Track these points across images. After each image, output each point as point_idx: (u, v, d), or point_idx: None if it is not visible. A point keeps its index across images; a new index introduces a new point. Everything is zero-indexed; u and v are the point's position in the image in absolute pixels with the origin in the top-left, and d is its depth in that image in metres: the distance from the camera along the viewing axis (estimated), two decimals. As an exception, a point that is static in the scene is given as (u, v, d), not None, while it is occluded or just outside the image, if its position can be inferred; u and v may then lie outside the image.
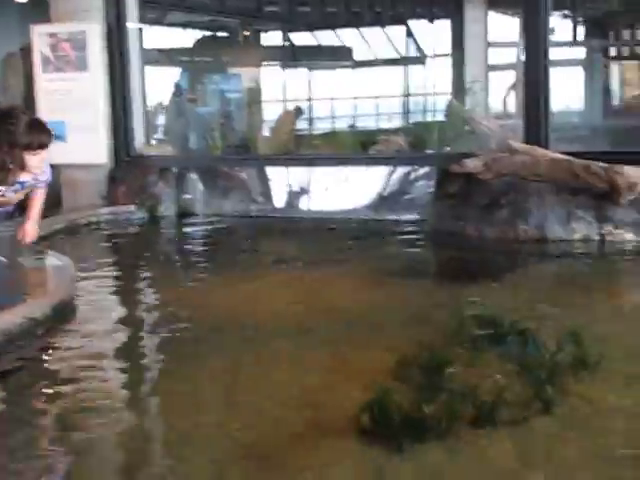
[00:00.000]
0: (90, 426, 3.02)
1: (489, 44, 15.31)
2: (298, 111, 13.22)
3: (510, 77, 15.54)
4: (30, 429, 3.05)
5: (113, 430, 2.98)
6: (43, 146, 4.07)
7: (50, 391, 3.43)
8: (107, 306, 4.88)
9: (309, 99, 19.66)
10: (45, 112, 7.88)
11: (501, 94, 15.09)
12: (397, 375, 3.36)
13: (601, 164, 6.45)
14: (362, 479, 2.52)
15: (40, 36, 8.41)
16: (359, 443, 2.75)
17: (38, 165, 4.15)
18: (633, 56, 16.25)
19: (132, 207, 8.17)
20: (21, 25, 10.52)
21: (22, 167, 4.09)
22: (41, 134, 4.07)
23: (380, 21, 19.11)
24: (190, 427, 2.96)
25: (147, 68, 9.28)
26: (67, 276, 4.81)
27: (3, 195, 4.24)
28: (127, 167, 8.51)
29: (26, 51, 8.88)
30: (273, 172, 8.95)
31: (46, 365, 3.80)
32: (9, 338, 3.71)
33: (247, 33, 18.56)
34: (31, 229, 4.53)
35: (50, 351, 3.92)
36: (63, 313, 4.30)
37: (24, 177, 4.24)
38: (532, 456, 2.63)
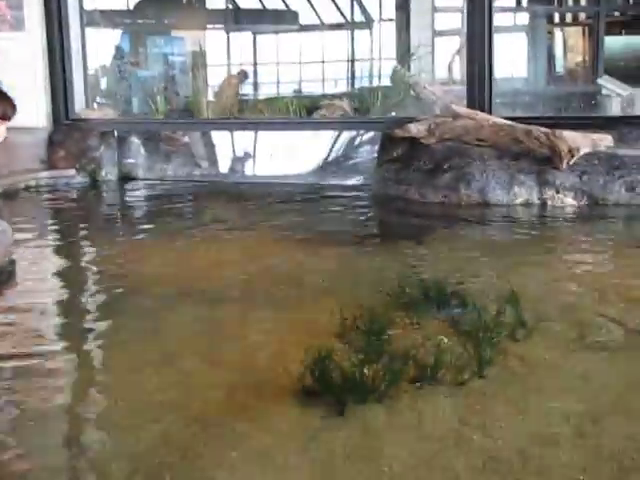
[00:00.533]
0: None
1: (435, 9, 15.28)
2: (243, 75, 13.07)
3: (455, 43, 15.55)
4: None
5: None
6: (6, 117, 3.89)
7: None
8: (43, 269, 4.81)
9: (254, 63, 19.44)
10: (-20, 73, 7.67)
11: (446, 60, 15.10)
12: (339, 337, 3.38)
13: (543, 129, 6.52)
14: (303, 440, 2.51)
15: (-26, -5, 8.16)
16: (300, 405, 2.75)
17: None
18: (576, 22, 16.37)
19: (72, 171, 8.03)
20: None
21: None
22: (7, 105, 3.88)
23: (325, -16, 18.92)
24: (127, 390, 2.95)
25: (88, 30, 9.08)
26: (4, 240, 4.72)
27: None
28: (67, 130, 8.34)
29: (-39, 10, 8.61)
30: (217, 136, 8.90)
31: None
32: None
33: (190, -5, 18.22)
34: None
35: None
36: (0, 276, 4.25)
37: None
38: (470, 416, 2.66)
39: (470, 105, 7.25)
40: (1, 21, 8.08)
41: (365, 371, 2.82)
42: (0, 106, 3.85)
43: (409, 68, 12.48)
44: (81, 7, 8.72)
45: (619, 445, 2.44)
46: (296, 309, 3.89)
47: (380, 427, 2.60)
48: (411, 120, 7.25)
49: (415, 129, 6.96)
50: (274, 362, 3.12)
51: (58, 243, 5.71)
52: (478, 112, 7.03)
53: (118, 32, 15.00)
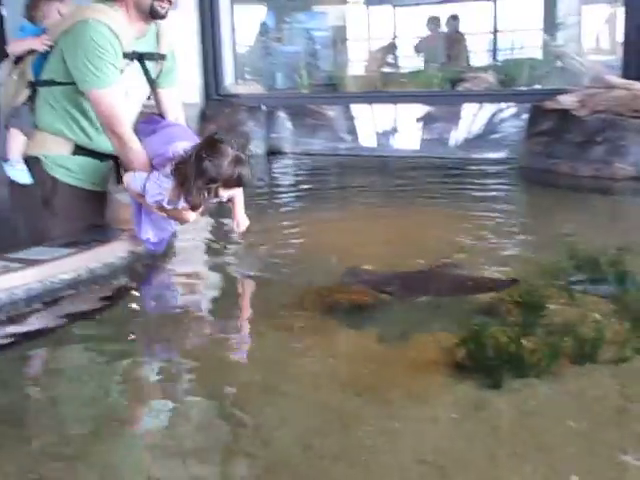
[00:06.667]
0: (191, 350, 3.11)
1: (584, -25, 14.72)
2: (390, 48, 13.04)
3: (604, 11, 14.96)
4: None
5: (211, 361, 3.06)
6: (242, 183, 3.73)
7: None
8: (202, 240, 4.95)
9: (394, 37, 19.30)
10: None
11: (595, 29, 14.56)
12: (493, 311, 3.36)
13: None
14: (460, 413, 2.52)
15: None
16: (455, 378, 2.74)
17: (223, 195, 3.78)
18: None
19: (223, 145, 8.25)
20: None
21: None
22: (244, 170, 3.67)
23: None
24: (272, 363, 3.00)
25: (235, 7, 9.28)
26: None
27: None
28: (217, 105, 8.58)
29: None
30: (361, 110, 8.91)
31: (150, 294, 3.95)
32: (112, 271, 3.81)
33: (332, -30, 18.23)
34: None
35: (150, 284, 4.06)
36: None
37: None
38: (633, 394, 2.60)
39: (626, 75, 6.98)
40: (157, 1, 8.35)
41: (524, 344, 2.80)
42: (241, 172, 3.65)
43: (556, 38, 12.13)
44: (231, -15, 8.92)
45: None
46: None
47: (539, 402, 2.56)
48: (560, 92, 7.07)
49: (566, 101, 6.79)
50: (428, 335, 3.12)
51: (213, 215, 5.77)
52: (634, 82, 6.76)
53: (263, 8, 15.24)
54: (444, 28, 13.48)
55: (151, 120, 4.16)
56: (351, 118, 8.81)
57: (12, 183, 4.08)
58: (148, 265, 4.09)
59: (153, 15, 3.91)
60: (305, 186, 7.15)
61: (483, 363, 2.77)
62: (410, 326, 3.23)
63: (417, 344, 3.06)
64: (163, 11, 3.91)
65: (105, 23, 3.76)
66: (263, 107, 8.54)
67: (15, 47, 4.10)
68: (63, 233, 3.99)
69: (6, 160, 4.04)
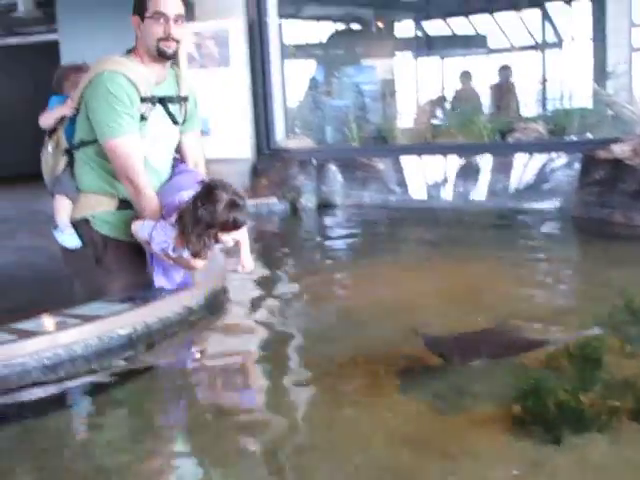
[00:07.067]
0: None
1: (633, 24, 14.67)
2: (439, 100, 13.13)
3: (655, 59, 14.87)
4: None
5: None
6: (239, 226, 3.74)
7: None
8: (256, 295, 4.97)
9: (443, 88, 19.42)
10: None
11: (646, 77, 14.47)
12: (549, 364, 3.31)
13: None
14: (518, 469, 2.48)
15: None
16: (513, 433, 2.70)
17: (227, 240, 3.81)
18: None
19: (274, 199, 8.34)
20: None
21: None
22: (240, 214, 3.69)
23: (515, 5, 18.66)
24: (340, 431, 2.98)
25: (285, 62, 9.45)
26: (217, 266, 4.78)
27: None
28: (268, 160, 8.69)
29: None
30: (410, 162, 8.94)
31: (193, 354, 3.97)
32: (167, 326, 3.85)
33: (380, 24, 18.51)
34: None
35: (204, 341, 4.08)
36: (215, 303, 4.38)
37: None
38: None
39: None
40: (210, 58, 8.58)
41: (583, 399, 2.75)
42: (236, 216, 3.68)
43: (606, 87, 12.08)
44: (281, 41, 9.08)
45: None
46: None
47: (600, 459, 2.51)
48: (612, 141, 7.04)
49: (619, 150, 6.76)
50: (484, 388, 3.09)
51: (268, 269, 5.79)
52: (689, 130, 6.72)
53: (312, 63, 15.48)
54: (475, 82, 13.61)
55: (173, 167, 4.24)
56: (401, 170, 8.84)
57: (64, 248, 4.15)
58: (199, 320, 4.10)
59: (161, 55, 3.97)
60: (356, 239, 7.18)
61: (542, 419, 2.72)
62: (467, 385, 3.19)
63: (475, 402, 3.03)
64: (170, 50, 3.97)
65: (121, 72, 3.85)
66: (314, 161, 8.61)
67: (45, 120, 4.20)
68: (119, 289, 4.04)
69: (55, 227, 4.12)
